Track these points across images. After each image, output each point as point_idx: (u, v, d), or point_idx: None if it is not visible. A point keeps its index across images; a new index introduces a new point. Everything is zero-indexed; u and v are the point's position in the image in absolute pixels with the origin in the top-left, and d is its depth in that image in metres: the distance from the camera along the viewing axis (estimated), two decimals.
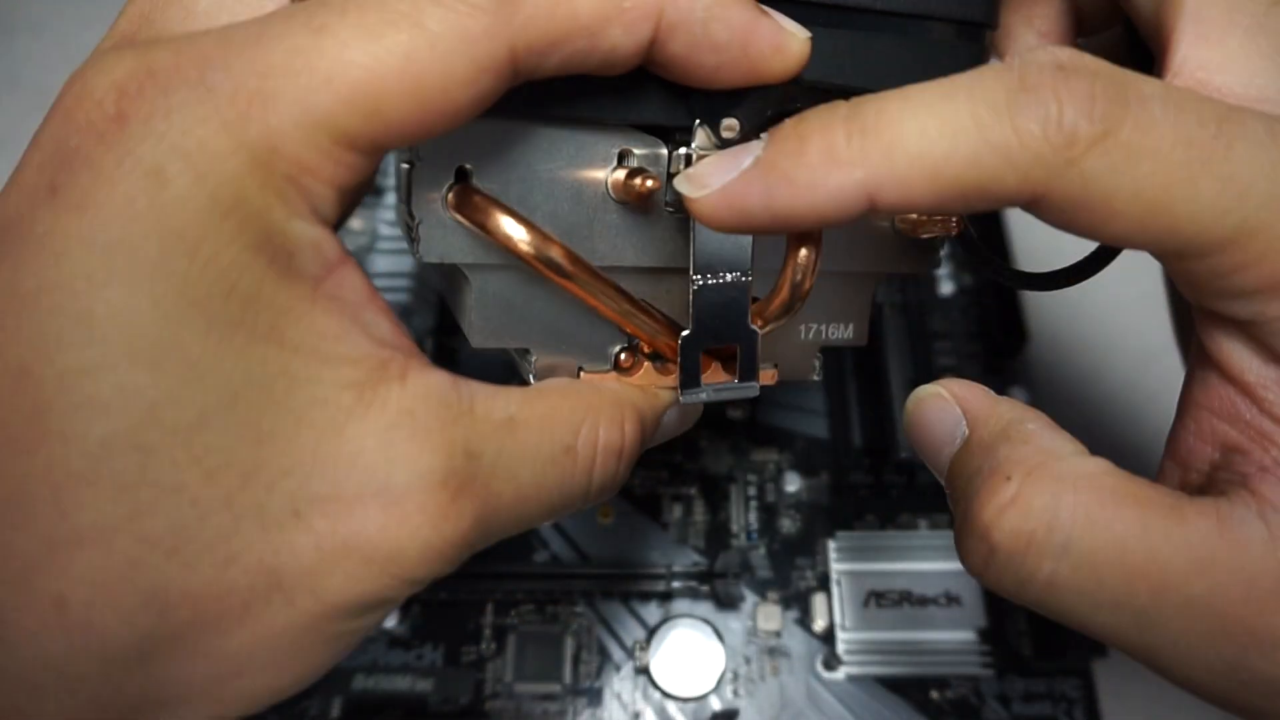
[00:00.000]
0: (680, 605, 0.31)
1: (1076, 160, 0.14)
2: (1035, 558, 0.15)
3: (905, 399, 0.31)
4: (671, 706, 0.29)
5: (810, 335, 0.22)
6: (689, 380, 0.19)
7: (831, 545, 0.32)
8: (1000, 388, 0.34)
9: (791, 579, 0.31)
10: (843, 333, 0.22)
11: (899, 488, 0.32)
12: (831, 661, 0.30)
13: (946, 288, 0.36)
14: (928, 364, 0.33)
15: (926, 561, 0.31)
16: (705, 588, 0.30)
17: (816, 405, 0.34)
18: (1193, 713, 0.31)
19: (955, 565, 0.31)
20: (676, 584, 0.30)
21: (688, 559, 0.32)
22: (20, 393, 0.13)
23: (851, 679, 0.30)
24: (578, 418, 0.17)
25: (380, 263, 0.33)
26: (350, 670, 0.30)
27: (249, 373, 0.14)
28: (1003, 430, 0.17)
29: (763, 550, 0.32)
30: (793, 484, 0.33)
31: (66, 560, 0.13)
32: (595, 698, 0.30)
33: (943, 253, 0.22)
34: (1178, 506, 0.15)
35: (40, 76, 0.40)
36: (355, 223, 0.39)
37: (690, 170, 0.17)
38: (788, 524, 0.32)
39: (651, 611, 0.31)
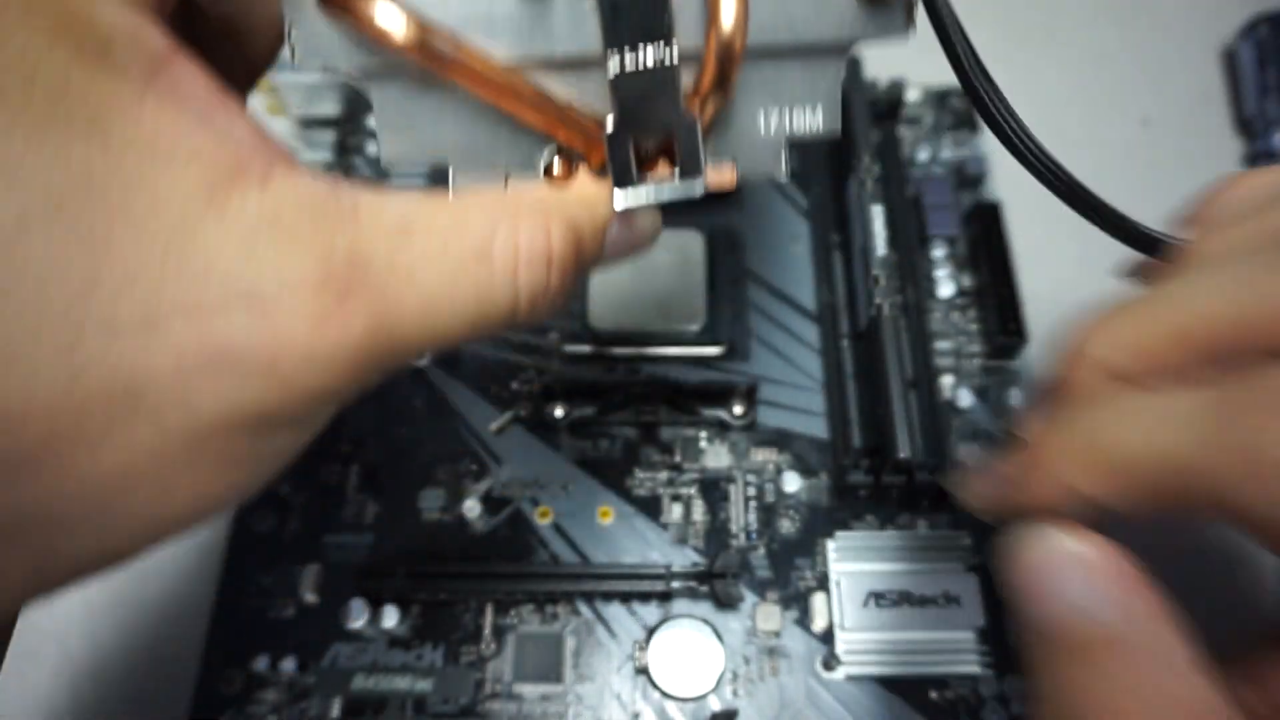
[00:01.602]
0: (679, 605, 0.31)
1: None
2: None
3: (905, 399, 0.31)
4: (671, 706, 0.29)
5: (773, 125, 0.20)
6: (621, 177, 0.18)
7: (831, 545, 0.32)
8: (1000, 388, 0.35)
9: (791, 579, 0.31)
10: (810, 119, 0.20)
11: (898, 488, 0.32)
12: (831, 661, 0.30)
13: (946, 288, 0.36)
14: (927, 364, 0.33)
15: (926, 562, 0.31)
16: (704, 588, 0.30)
17: (816, 405, 0.34)
18: None
19: (954, 565, 0.31)
20: (676, 584, 0.30)
21: (687, 559, 0.32)
22: None
23: (851, 679, 0.30)
24: (491, 222, 0.16)
25: None
26: (350, 670, 0.30)
27: (71, 174, 0.13)
28: (1126, 633, 0.16)
29: (762, 550, 0.32)
30: (792, 484, 0.33)
31: None
32: (595, 698, 0.30)
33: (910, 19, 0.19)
34: None
35: None
36: None
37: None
38: (787, 524, 0.32)
39: (651, 611, 0.31)
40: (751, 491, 0.33)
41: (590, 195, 0.18)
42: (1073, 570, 0.16)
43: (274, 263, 0.14)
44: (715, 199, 0.39)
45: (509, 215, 0.16)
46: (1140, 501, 0.16)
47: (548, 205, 0.17)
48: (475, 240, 0.15)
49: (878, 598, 0.31)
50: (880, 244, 0.34)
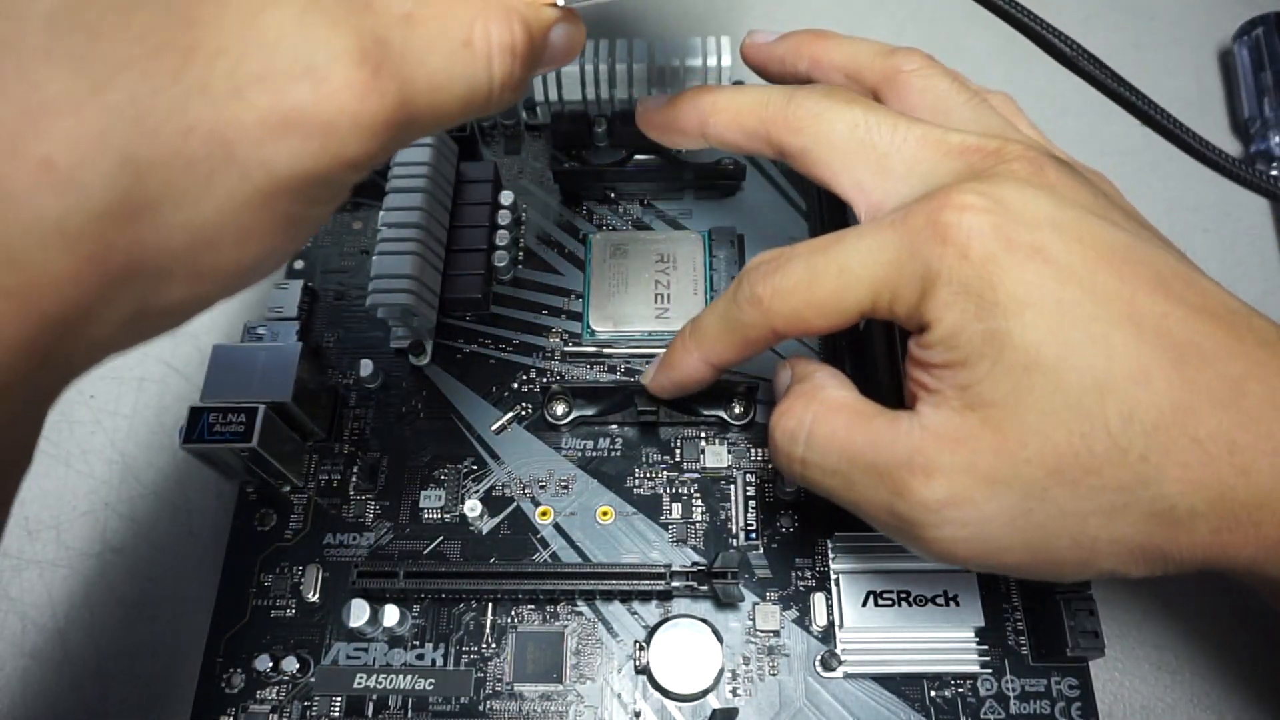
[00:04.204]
0: (679, 605, 0.31)
1: None
2: (791, 444, 0.25)
3: (903, 399, 0.32)
4: (671, 706, 0.30)
5: None
6: None
7: (830, 545, 0.32)
8: None
9: (790, 579, 0.31)
10: None
11: None
12: (830, 661, 0.30)
13: None
14: None
15: (924, 561, 0.31)
16: (704, 587, 0.30)
17: None
18: (1189, 711, 0.31)
19: (954, 565, 0.31)
20: (676, 584, 0.30)
21: (687, 559, 0.32)
22: None
23: (850, 678, 0.30)
24: (470, 15, 0.19)
25: (382, 265, 0.33)
26: (350, 670, 0.30)
27: None
28: (803, 376, 0.26)
29: (762, 550, 0.32)
30: (792, 484, 0.33)
31: (46, 126, 0.14)
32: (595, 697, 0.30)
33: None
34: (872, 413, 0.24)
35: None
36: (355, 223, 0.39)
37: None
38: (787, 524, 0.32)
39: (651, 611, 0.31)
40: (751, 491, 0.33)
41: (539, 4, 0.21)
42: (783, 371, 0.28)
43: (324, 39, 0.16)
44: (715, 199, 0.39)
45: (482, 11, 0.19)
46: (740, 144, 0.27)
47: (507, 4, 0.19)
48: (461, 30, 0.18)
49: (877, 597, 0.31)
50: None
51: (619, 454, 0.34)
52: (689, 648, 0.30)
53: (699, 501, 0.33)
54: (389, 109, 0.17)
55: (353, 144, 0.16)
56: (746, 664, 0.30)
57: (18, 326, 0.14)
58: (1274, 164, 0.40)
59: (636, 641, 0.30)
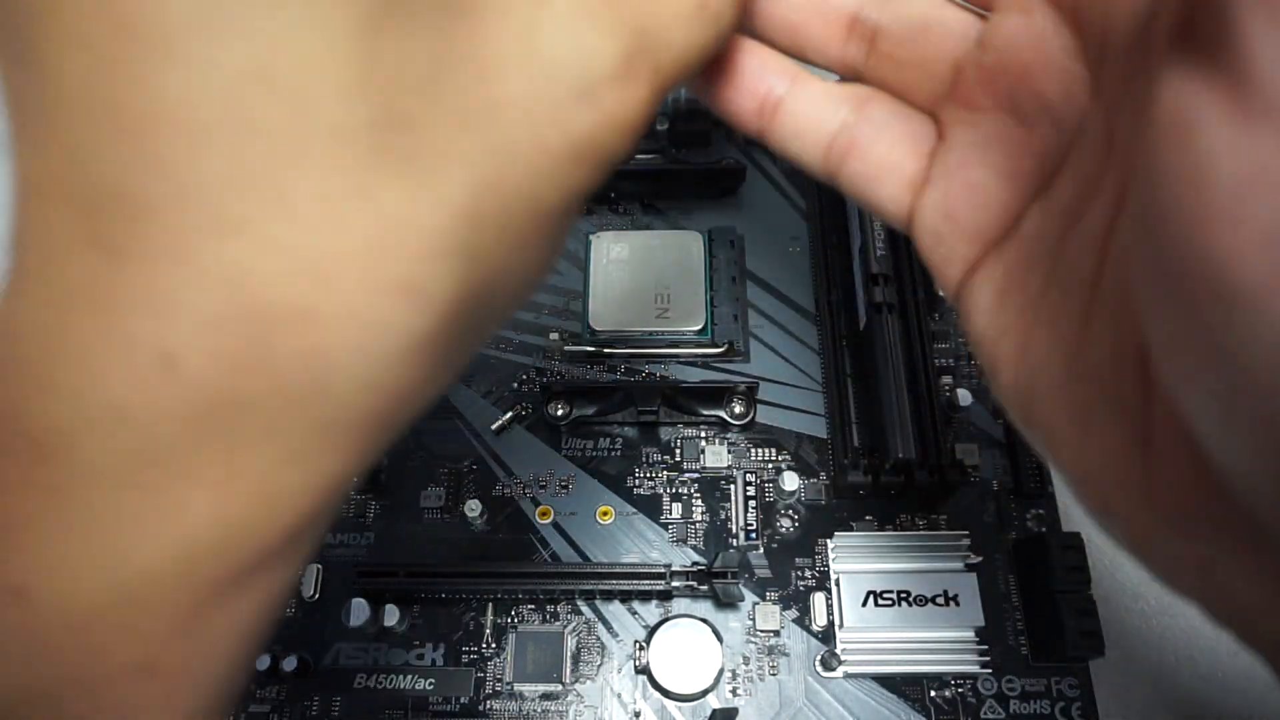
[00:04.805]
0: (679, 605, 0.31)
1: None
2: None
3: (904, 400, 0.31)
4: (671, 705, 0.30)
5: None
6: None
7: (830, 545, 0.32)
8: None
9: (790, 578, 0.31)
10: None
11: (897, 488, 0.32)
12: (830, 661, 0.30)
13: None
14: (926, 364, 0.33)
15: (924, 561, 0.31)
16: (704, 587, 0.30)
17: (815, 405, 0.35)
18: (1189, 710, 0.31)
19: (953, 565, 0.31)
20: (676, 584, 0.30)
21: (687, 559, 0.32)
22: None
23: (850, 678, 0.30)
24: None
25: None
26: (351, 670, 0.30)
27: None
28: None
29: (762, 550, 0.32)
30: (792, 484, 0.33)
31: (394, 242, 0.13)
32: (595, 697, 0.30)
33: None
34: None
35: None
36: None
37: None
38: (786, 524, 0.32)
39: (651, 611, 0.31)
40: (751, 491, 0.33)
41: None
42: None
43: (593, 51, 0.14)
44: (715, 199, 0.39)
45: None
46: None
47: None
48: None
49: (877, 597, 0.31)
50: (879, 244, 0.34)
51: (619, 454, 0.34)
52: (689, 648, 0.30)
53: (699, 501, 0.33)
54: (649, 104, 0.15)
55: (620, 150, 0.15)
56: (746, 664, 0.30)
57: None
58: None
59: (636, 641, 0.30)
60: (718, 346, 0.35)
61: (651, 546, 0.32)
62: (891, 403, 0.31)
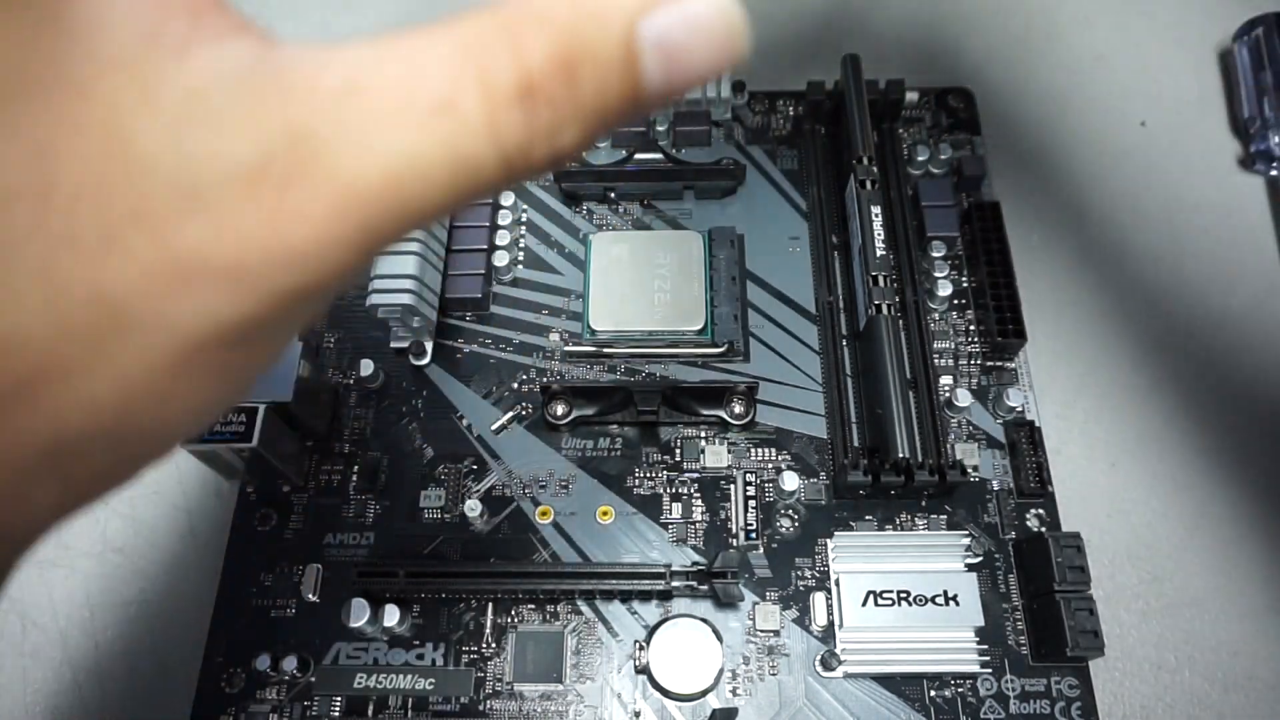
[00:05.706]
0: (679, 605, 0.31)
1: None
2: None
3: (903, 399, 0.31)
4: (671, 705, 0.30)
5: None
6: None
7: (830, 545, 0.32)
8: (1000, 387, 0.35)
9: (790, 578, 0.31)
10: None
11: (897, 488, 0.32)
12: (830, 660, 0.30)
13: (946, 288, 0.36)
14: (926, 364, 0.33)
15: (924, 561, 0.31)
16: (704, 587, 0.30)
17: (816, 405, 0.35)
18: (1189, 711, 0.31)
19: (953, 565, 0.31)
20: (676, 584, 0.30)
21: (687, 559, 0.32)
22: None
23: (850, 678, 0.30)
24: (455, 59, 0.13)
25: (382, 265, 0.33)
26: (350, 670, 0.30)
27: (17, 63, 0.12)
28: None
29: (762, 550, 0.32)
30: (792, 484, 0.33)
31: None
32: (595, 697, 0.30)
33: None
34: None
35: None
36: None
37: None
38: (787, 524, 0.32)
39: (651, 611, 0.31)
40: (751, 491, 0.33)
41: None
42: None
43: (208, 153, 0.12)
44: (715, 199, 0.39)
45: (474, 46, 0.13)
46: None
47: (537, 16, 0.13)
48: (434, 88, 0.12)
49: (877, 597, 0.31)
50: (879, 244, 0.34)
51: (619, 454, 0.34)
52: (689, 647, 0.30)
53: (699, 501, 0.33)
54: (318, 227, 0.12)
55: (277, 281, 0.12)
56: (746, 664, 0.30)
57: None
58: (1274, 164, 0.40)
59: (636, 641, 0.30)
60: (717, 346, 0.35)
61: (651, 546, 0.32)
62: (891, 402, 0.31)
